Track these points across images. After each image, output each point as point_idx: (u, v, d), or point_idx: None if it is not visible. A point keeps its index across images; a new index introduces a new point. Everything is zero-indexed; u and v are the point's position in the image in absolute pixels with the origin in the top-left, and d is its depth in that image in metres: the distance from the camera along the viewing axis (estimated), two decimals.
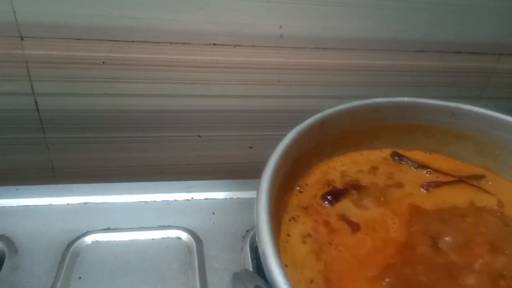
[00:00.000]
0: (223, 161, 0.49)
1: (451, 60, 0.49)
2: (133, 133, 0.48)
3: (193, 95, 0.47)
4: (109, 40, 0.42)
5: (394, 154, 0.36)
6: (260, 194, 0.25)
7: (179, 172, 0.47)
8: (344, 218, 0.30)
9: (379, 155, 0.37)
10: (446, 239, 0.29)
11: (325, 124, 0.33)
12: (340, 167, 0.35)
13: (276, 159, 0.28)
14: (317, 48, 0.46)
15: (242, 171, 0.51)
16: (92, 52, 0.42)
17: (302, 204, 0.31)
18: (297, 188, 0.32)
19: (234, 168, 0.50)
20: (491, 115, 0.35)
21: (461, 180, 0.34)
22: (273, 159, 0.28)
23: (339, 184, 0.33)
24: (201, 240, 0.39)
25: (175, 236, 0.39)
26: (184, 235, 0.39)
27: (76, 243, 0.37)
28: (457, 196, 0.33)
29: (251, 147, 0.49)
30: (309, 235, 0.28)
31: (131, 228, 0.39)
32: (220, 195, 0.44)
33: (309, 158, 0.34)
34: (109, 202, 0.42)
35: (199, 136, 0.51)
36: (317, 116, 0.33)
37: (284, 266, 0.26)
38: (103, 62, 0.42)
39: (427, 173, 0.35)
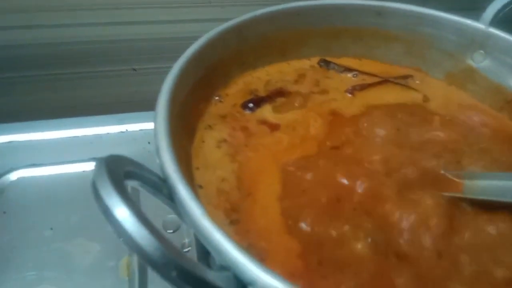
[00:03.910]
0: None
1: None
2: (61, 69, 0.45)
3: (118, 23, 0.44)
4: None
5: (321, 61, 0.35)
6: (161, 95, 0.24)
7: (116, 110, 0.45)
8: (263, 122, 0.29)
9: (306, 63, 0.35)
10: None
11: (243, 30, 0.31)
12: (265, 77, 0.33)
13: (182, 63, 0.27)
14: None
15: None
16: None
17: (221, 113, 0.30)
18: (216, 98, 0.31)
19: None
20: (418, 11, 0.34)
21: (387, 80, 0.34)
22: (178, 63, 0.26)
23: (262, 93, 0.32)
24: None
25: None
26: None
27: None
28: (383, 97, 0.33)
29: None
30: (224, 140, 0.28)
31: (59, 163, 0.38)
32: None
33: (229, 68, 0.32)
34: (35, 140, 0.40)
35: (134, 69, 0.48)
36: (232, 22, 0.31)
37: (195, 169, 0.26)
38: None
39: (353, 76, 0.34)
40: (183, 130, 0.26)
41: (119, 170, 0.16)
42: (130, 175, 0.18)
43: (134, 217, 0.14)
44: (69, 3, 0.42)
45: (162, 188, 0.19)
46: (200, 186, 0.24)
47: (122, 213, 0.14)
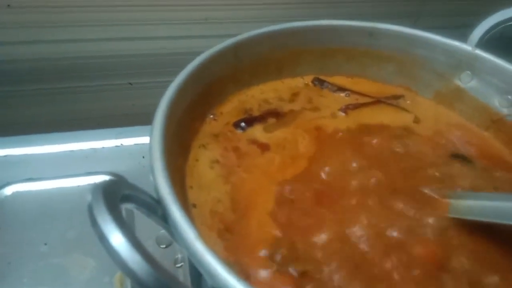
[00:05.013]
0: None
1: None
2: (57, 84, 0.46)
3: (117, 38, 0.44)
4: None
5: (315, 80, 0.36)
6: (158, 111, 0.25)
7: (112, 123, 0.45)
8: (254, 141, 0.30)
9: (300, 81, 0.36)
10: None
11: (240, 50, 0.32)
12: (259, 95, 0.34)
13: (180, 80, 0.27)
14: None
15: None
16: None
17: (214, 131, 0.30)
18: (211, 116, 0.31)
19: None
20: (408, 32, 0.35)
21: (379, 100, 0.34)
22: (177, 80, 0.27)
23: (256, 112, 0.32)
24: None
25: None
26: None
27: None
28: (375, 116, 0.33)
29: None
30: (217, 161, 0.28)
31: (55, 177, 0.38)
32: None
33: (225, 86, 0.32)
34: (31, 154, 0.40)
35: (130, 83, 0.49)
36: (230, 41, 0.31)
37: (189, 187, 0.26)
38: (8, 5, 0.39)
39: (346, 95, 0.35)
40: (178, 148, 0.27)
41: (115, 195, 0.17)
42: (126, 199, 0.18)
43: (128, 243, 0.14)
44: (67, 19, 0.43)
45: (156, 209, 0.20)
46: (194, 206, 0.25)
47: (117, 239, 0.15)
